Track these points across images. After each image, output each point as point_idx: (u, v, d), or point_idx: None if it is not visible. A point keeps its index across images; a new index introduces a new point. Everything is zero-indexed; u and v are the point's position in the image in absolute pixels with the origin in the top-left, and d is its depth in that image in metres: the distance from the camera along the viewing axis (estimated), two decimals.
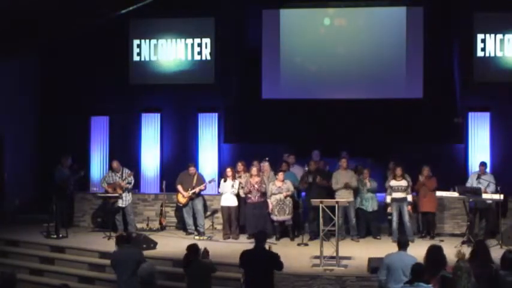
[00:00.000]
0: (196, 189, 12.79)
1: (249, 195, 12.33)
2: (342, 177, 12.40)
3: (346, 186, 12.27)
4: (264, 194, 12.30)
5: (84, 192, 14.40)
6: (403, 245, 7.84)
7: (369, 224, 12.68)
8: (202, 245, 8.55)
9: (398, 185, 12.21)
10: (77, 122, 15.16)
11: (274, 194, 12.11)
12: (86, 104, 15.15)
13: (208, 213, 13.58)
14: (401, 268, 7.55)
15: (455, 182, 12.51)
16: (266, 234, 8.22)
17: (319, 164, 12.78)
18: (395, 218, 12.22)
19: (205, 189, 12.98)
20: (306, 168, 13.15)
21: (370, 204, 12.54)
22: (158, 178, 14.89)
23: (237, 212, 12.58)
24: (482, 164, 12.49)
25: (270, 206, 12.16)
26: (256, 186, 12.27)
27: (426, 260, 7.28)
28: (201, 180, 12.93)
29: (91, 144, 15.23)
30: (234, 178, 12.54)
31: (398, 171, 12.20)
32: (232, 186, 12.46)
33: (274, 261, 7.94)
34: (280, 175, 12.20)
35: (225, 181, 12.59)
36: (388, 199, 12.41)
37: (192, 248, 8.10)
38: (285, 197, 12.11)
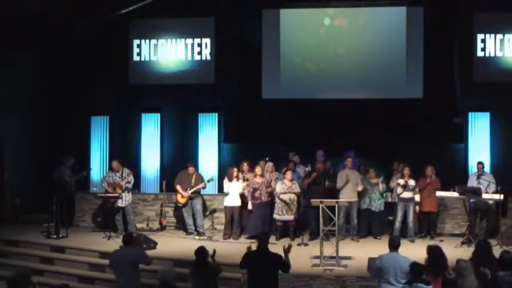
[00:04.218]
0: (197, 187, 12.76)
1: (257, 196, 12.31)
2: (347, 177, 12.40)
3: (357, 185, 12.28)
4: (270, 194, 12.31)
5: (84, 192, 14.40)
6: (395, 245, 7.83)
7: (372, 225, 12.67)
8: (201, 244, 8.56)
9: (408, 185, 12.22)
10: (77, 122, 15.17)
11: (285, 193, 12.12)
12: (86, 104, 15.15)
13: (207, 213, 13.57)
14: (393, 269, 7.54)
15: (455, 182, 12.53)
16: (269, 236, 8.22)
17: (326, 165, 12.78)
18: (399, 218, 12.22)
19: (205, 187, 12.96)
20: (307, 168, 13.15)
21: (378, 205, 12.56)
22: (158, 178, 14.90)
23: (240, 212, 12.57)
24: (480, 163, 12.49)
25: (278, 206, 12.16)
26: (263, 186, 12.27)
27: (428, 261, 7.27)
28: (200, 179, 12.92)
29: (91, 144, 15.24)
30: (238, 179, 12.53)
31: (406, 170, 12.21)
32: (236, 187, 12.44)
33: (281, 262, 7.87)
34: (289, 174, 12.21)
35: (230, 181, 12.56)
36: (391, 198, 12.46)
37: (201, 252, 8.13)
38: (297, 196, 12.16)
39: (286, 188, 12.13)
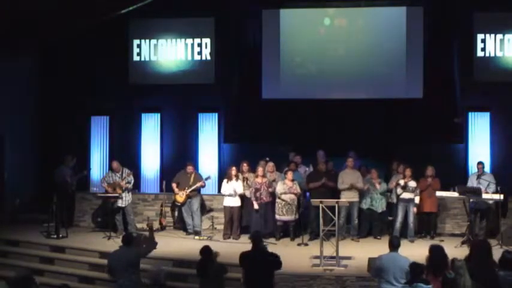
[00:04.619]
0: (195, 186, 12.75)
1: (258, 196, 12.29)
2: (348, 177, 12.41)
3: (352, 187, 12.28)
4: (271, 194, 12.30)
5: (84, 192, 14.41)
6: (395, 246, 7.84)
7: (373, 225, 12.67)
8: (202, 244, 8.57)
9: (408, 186, 12.21)
10: (77, 122, 15.18)
11: (286, 193, 12.11)
12: (86, 104, 15.16)
13: (206, 213, 13.58)
14: (393, 269, 7.55)
15: (455, 182, 12.53)
16: (261, 235, 8.26)
17: (328, 165, 12.78)
18: (399, 218, 12.22)
19: (204, 186, 12.96)
20: (307, 169, 13.16)
21: (379, 204, 12.55)
22: (158, 178, 14.91)
23: (240, 213, 12.57)
24: (480, 163, 12.49)
25: (278, 206, 12.15)
26: (265, 186, 12.26)
27: (429, 261, 7.27)
28: (198, 179, 12.91)
29: (91, 144, 15.24)
30: (237, 178, 12.52)
31: (408, 171, 12.20)
32: (234, 189, 12.43)
33: (274, 261, 7.94)
34: (290, 175, 12.20)
35: (228, 181, 12.55)
36: (391, 199, 12.47)
37: (206, 251, 8.15)
38: (297, 197, 12.14)
39: (287, 188, 12.13)
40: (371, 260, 9.64)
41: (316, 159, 13.01)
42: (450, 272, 6.71)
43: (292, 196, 12.14)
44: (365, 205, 12.57)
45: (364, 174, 12.75)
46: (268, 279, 7.85)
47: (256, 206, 12.27)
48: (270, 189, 12.32)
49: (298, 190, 12.23)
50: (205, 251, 8.22)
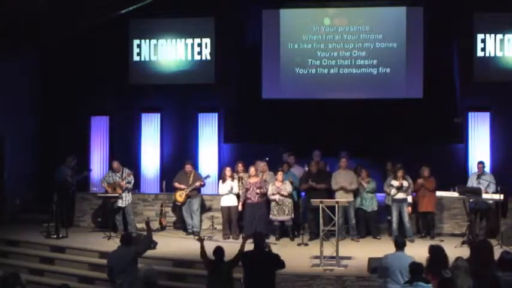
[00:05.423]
0: (196, 184, 12.76)
1: (248, 196, 12.30)
2: (341, 177, 12.39)
3: (343, 189, 12.25)
4: (264, 195, 12.29)
5: (84, 192, 14.40)
6: (400, 245, 7.84)
7: (369, 224, 12.68)
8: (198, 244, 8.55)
9: (402, 186, 12.20)
10: (77, 122, 15.18)
11: (274, 194, 12.10)
12: (86, 104, 15.16)
13: (206, 213, 13.57)
14: (399, 269, 7.56)
15: (455, 182, 12.52)
16: (263, 235, 8.26)
17: (320, 164, 12.77)
18: (395, 219, 12.22)
19: (203, 185, 12.96)
20: (306, 168, 13.15)
21: (369, 204, 12.56)
22: (158, 178, 14.91)
23: (237, 212, 12.57)
24: (480, 163, 12.50)
25: (271, 207, 12.15)
26: (255, 186, 12.26)
27: (429, 260, 7.27)
28: (197, 178, 12.92)
29: (91, 144, 15.24)
30: (232, 178, 12.52)
31: (400, 173, 12.19)
32: (231, 187, 12.44)
33: (275, 261, 7.93)
34: (279, 175, 12.18)
35: (223, 182, 12.55)
36: (388, 200, 12.45)
37: (219, 251, 8.16)
38: (285, 197, 12.10)
39: (275, 188, 12.11)
40: (371, 260, 9.66)
41: (312, 159, 13.02)
42: (447, 272, 6.71)
43: (281, 196, 12.11)
44: (356, 205, 12.56)
45: (359, 173, 12.73)
46: (269, 279, 7.84)
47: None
48: (262, 190, 12.24)
49: (288, 190, 12.14)
50: (218, 251, 8.21)
